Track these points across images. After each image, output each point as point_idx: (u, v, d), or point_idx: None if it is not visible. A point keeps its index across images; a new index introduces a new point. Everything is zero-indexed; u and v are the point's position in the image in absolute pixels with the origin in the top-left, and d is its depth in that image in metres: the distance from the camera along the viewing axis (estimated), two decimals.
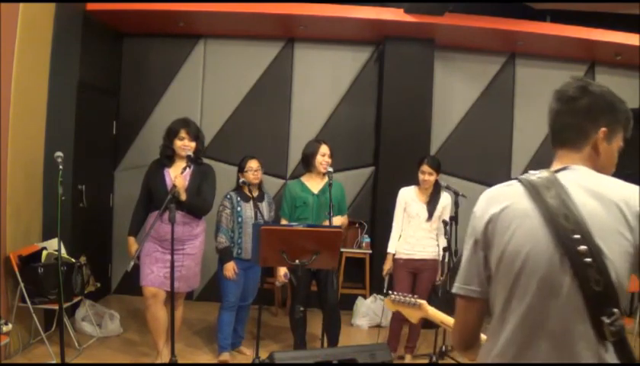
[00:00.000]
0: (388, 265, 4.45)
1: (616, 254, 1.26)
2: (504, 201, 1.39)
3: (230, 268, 4.29)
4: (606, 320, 1.23)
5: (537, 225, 1.32)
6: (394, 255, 4.44)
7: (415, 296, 2.00)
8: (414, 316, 2.02)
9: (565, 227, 1.27)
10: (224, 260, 4.32)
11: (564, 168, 1.41)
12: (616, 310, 1.23)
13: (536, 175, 1.40)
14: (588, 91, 1.41)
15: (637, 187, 1.35)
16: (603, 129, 1.41)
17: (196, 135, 4.09)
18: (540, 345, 1.29)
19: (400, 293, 2.05)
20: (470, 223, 1.47)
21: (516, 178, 1.44)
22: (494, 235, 1.39)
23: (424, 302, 1.96)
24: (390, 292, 2.08)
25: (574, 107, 1.42)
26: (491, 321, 1.42)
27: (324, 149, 4.31)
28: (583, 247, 1.25)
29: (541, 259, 1.30)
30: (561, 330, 1.27)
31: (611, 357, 1.25)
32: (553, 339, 1.28)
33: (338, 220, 4.35)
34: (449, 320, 1.86)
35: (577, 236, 1.26)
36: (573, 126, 1.43)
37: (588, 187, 1.34)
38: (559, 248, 1.28)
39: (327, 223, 4.05)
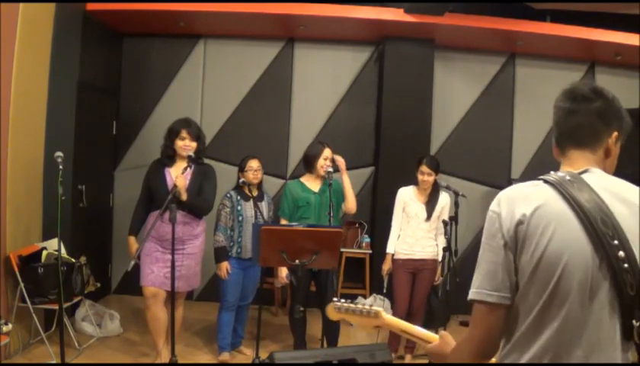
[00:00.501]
0: (387, 265, 4.45)
1: None
2: (535, 201, 1.32)
3: (223, 268, 4.30)
4: (636, 323, 1.24)
5: (575, 228, 1.28)
6: (393, 255, 4.44)
7: (370, 304, 1.79)
8: (366, 325, 1.80)
9: (604, 232, 1.26)
10: (218, 259, 4.33)
11: (585, 171, 1.39)
12: None
13: (562, 177, 1.36)
14: (602, 94, 1.41)
15: None
16: (615, 133, 1.42)
17: (197, 135, 4.10)
18: (576, 352, 1.27)
19: (348, 301, 1.81)
20: (490, 224, 1.37)
21: (540, 178, 1.39)
22: (526, 237, 1.31)
23: (380, 310, 1.77)
24: (335, 299, 1.85)
25: (588, 108, 1.40)
26: (517, 329, 1.34)
27: (326, 152, 4.31)
28: (621, 253, 1.25)
29: (581, 265, 1.26)
30: (597, 335, 1.26)
31: (633, 357, 1.28)
32: (588, 345, 1.27)
33: (352, 201, 4.36)
34: (411, 329, 1.72)
35: (615, 242, 1.25)
36: (587, 126, 1.41)
37: (613, 190, 1.34)
38: (599, 253, 1.26)
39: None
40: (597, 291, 1.26)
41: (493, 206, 1.41)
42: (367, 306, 1.77)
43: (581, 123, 1.41)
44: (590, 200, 1.29)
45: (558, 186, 1.33)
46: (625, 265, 1.24)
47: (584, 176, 1.37)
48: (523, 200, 1.34)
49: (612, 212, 1.28)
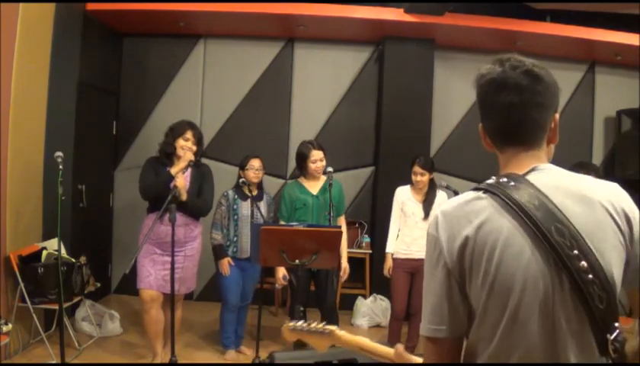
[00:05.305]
0: (388, 264, 4.46)
1: (613, 262, 1.14)
2: (477, 218, 1.16)
3: (225, 264, 4.30)
4: (610, 337, 1.11)
5: (527, 244, 1.13)
6: (392, 254, 4.44)
7: (323, 323, 1.76)
8: (321, 345, 1.73)
9: (561, 244, 1.10)
10: (218, 256, 4.33)
11: (532, 170, 1.22)
12: (617, 324, 1.12)
13: (505, 183, 1.19)
14: (538, 76, 1.22)
15: (615, 184, 1.24)
16: (556, 115, 1.26)
17: (199, 139, 4.08)
18: None
19: (302, 322, 1.77)
20: (431, 249, 1.21)
21: (478, 188, 1.21)
22: (472, 263, 1.15)
23: (333, 328, 1.68)
24: (289, 321, 1.82)
25: (529, 100, 1.21)
26: (479, 358, 1.19)
27: (315, 154, 4.27)
28: (583, 263, 1.10)
29: (539, 284, 1.12)
30: (567, 357, 1.13)
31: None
32: None
33: (342, 220, 4.43)
34: (367, 345, 1.62)
35: (575, 252, 1.10)
36: (530, 122, 1.22)
37: (568, 189, 1.18)
38: (557, 268, 1.11)
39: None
40: (563, 310, 1.12)
41: (430, 227, 1.23)
42: (320, 326, 1.73)
43: (522, 120, 1.22)
44: (540, 207, 1.13)
45: (501, 196, 1.16)
46: (590, 276, 1.09)
47: (531, 177, 1.20)
48: (463, 219, 1.17)
49: (567, 217, 1.13)
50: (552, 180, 1.20)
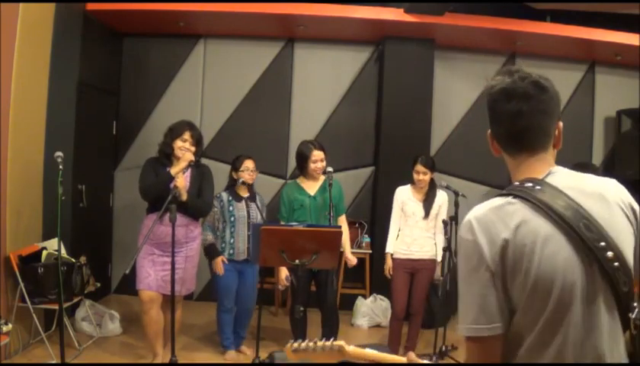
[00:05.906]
0: (389, 264, 4.45)
1: (628, 250, 1.28)
2: (513, 222, 1.25)
3: (219, 262, 4.29)
4: (632, 316, 1.25)
5: (562, 241, 1.24)
6: (392, 254, 4.44)
7: (332, 339, 1.64)
8: (330, 361, 1.65)
9: (590, 238, 1.23)
10: (212, 256, 4.32)
11: (548, 174, 1.34)
12: (636, 304, 1.25)
13: (531, 187, 1.29)
14: (544, 86, 1.33)
15: (614, 180, 1.38)
16: (560, 123, 1.37)
17: (198, 140, 4.07)
18: (587, 358, 1.25)
19: (308, 341, 1.65)
20: (469, 254, 1.28)
21: (506, 194, 1.31)
22: (514, 263, 1.24)
23: (342, 343, 1.61)
24: (291, 341, 1.70)
25: (535, 108, 1.32)
26: (520, 347, 1.27)
27: (316, 155, 4.28)
28: (610, 253, 1.23)
29: (576, 276, 1.24)
30: (603, 338, 1.25)
31: (626, 347, 1.30)
32: (598, 349, 1.25)
33: (343, 220, 4.44)
34: (378, 357, 1.61)
35: (602, 244, 1.23)
36: (537, 128, 1.33)
37: (584, 189, 1.31)
38: (589, 260, 1.24)
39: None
40: (596, 297, 1.25)
41: (464, 233, 1.30)
42: (329, 343, 1.62)
43: (529, 126, 1.33)
44: (568, 208, 1.25)
45: (531, 199, 1.27)
46: (616, 264, 1.24)
47: (550, 180, 1.32)
48: (500, 223, 1.26)
49: (590, 213, 1.26)
50: (566, 181, 1.32)
